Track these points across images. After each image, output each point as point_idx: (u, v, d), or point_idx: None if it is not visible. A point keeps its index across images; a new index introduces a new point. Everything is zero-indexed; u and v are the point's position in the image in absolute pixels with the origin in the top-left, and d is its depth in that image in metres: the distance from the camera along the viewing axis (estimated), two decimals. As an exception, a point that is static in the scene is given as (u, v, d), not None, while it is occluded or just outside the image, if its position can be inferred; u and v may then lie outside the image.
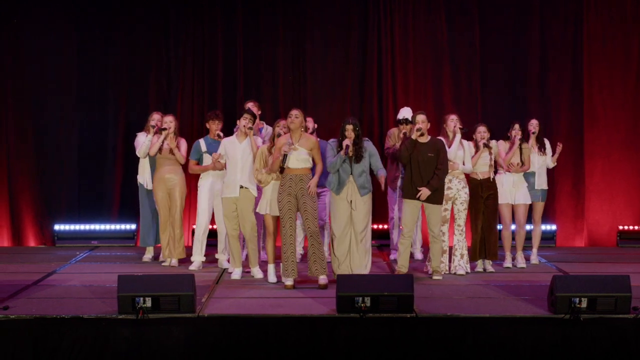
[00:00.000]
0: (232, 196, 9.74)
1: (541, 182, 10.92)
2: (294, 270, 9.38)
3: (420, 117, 9.74)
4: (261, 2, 12.98)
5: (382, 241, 12.21)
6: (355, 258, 9.57)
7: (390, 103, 12.87)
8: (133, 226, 12.72)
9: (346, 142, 9.42)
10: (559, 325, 7.82)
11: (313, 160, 9.41)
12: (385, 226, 12.08)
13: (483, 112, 12.88)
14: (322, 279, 9.35)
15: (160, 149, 10.58)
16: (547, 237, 12.66)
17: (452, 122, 10.20)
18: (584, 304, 7.81)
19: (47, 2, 12.93)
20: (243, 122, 9.74)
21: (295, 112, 9.39)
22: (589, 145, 12.96)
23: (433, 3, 12.96)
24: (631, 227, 12.89)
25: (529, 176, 10.79)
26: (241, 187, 9.71)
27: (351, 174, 9.51)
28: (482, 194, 10.24)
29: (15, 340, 7.70)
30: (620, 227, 12.88)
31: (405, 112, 10.82)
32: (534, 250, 11.06)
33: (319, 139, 9.83)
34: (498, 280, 9.78)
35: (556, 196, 12.91)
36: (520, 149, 10.54)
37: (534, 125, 10.92)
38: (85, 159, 12.97)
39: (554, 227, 12.82)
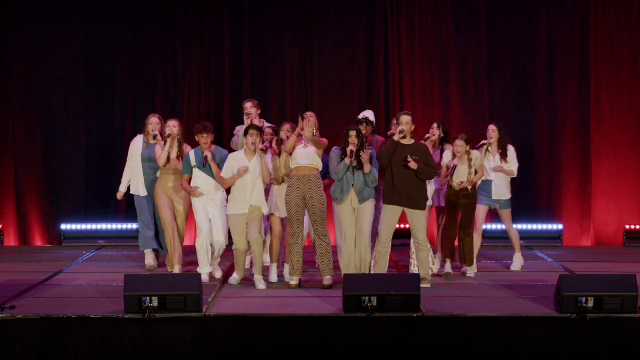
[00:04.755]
0: (241, 213, 9.41)
1: (500, 192, 10.30)
2: (300, 270, 9.38)
3: (405, 119, 9.33)
4: (268, 3, 12.98)
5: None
6: (360, 266, 9.42)
7: (397, 104, 12.86)
8: (139, 226, 12.74)
9: (350, 147, 9.19)
10: (565, 324, 7.81)
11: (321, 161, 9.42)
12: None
13: (490, 112, 12.87)
14: (327, 280, 9.35)
15: (168, 158, 9.98)
16: (553, 237, 12.72)
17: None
18: (591, 304, 7.81)
19: (54, 2, 12.94)
20: (250, 139, 9.33)
21: (310, 113, 9.43)
22: (595, 145, 12.93)
23: (439, 3, 12.95)
24: (638, 227, 12.86)
25: (487, 183, 10.25)
26: (251, 205, 9.43)
27: (352, 184, 9.31)
28: (459, 201, 9.91)
29: (22, 339, 7.71)
30: (627, 227, 12.85)
31: (367, 113, 10.21)
32: (517, 254, 10.57)
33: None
34: (504, 280, 9.77)
35: (563, 196, 12.90)
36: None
37: (490, 131, 10.29)
38: (92, 159, 12.99)
39: (560, 226, 12.81)
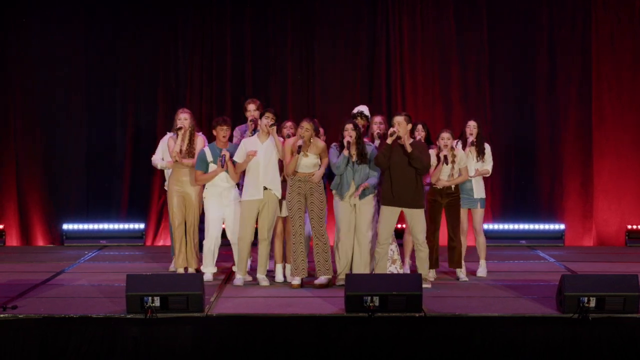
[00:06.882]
0: (255, 199, 9.43)
1: (479, 190, 9.94)
2: (304, 269, 9.38)
3: (397, 119, 9.20)
4: (270, 2, 12.98)
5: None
6: (358, 264, 9.39)
7: (398, 103, 12.86)
8: (142, 225, 12.73)
9: (347, 139, 9.21)
10: (567, 324, 7.80)
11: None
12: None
13: (492, 112, 12.88)
14: (320, 279, 9.33)
15: (180, 151, 9.71)
16: (555, 237, 12.71)
17: (376, 125, 9.70)
18: (593, 304, 7.79)
19: (54, 2, 12.94)
20: (265, 121, 9.40)
21: (305, 125, 9.25)
22: (597, 145, 12.92)
23: (441, 2, 12.95)
24: (640, 227, 12.89)
25: (466, 183, 9.87)
26: (265, 188, 9.44)
27: (353, 179, 9.29)
28: (442, 200, 9.68)
29: (23, 339, 7.70)
30: (629, 227, 12.83)
31: (362, 107, 10.05)
32: (481, 262, 10.08)
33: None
34: (506, 280, 9.76)
35: (564, 195, 12.89)
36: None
37: (471, 127, 9.92)
38: (94, 158, 12.99)
39: (562, 226, 12.80)
